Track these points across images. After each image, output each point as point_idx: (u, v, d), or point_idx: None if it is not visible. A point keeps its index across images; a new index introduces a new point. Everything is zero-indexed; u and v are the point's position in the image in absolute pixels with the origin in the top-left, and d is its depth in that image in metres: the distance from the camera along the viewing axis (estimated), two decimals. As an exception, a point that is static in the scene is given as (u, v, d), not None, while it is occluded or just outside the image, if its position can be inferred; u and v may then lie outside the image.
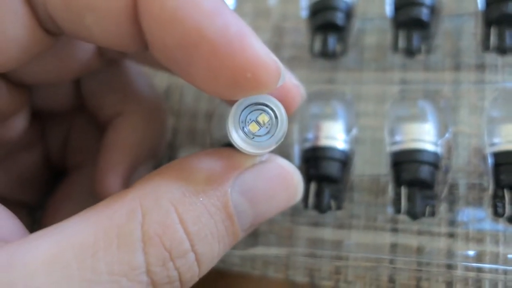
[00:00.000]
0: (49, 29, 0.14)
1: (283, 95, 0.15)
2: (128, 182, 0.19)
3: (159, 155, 0.21)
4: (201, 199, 0.13)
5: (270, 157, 0.16)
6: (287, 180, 0.16)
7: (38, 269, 0.11)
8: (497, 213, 0.18)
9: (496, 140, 0.19)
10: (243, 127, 0.14)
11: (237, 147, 0.14)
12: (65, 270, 0.11)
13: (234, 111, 0.14)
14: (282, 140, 0.14)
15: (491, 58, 0.20)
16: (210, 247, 0.14)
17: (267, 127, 0.14)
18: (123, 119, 0.19)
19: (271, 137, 0.14)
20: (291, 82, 0.18)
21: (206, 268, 0.14)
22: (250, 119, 0.14)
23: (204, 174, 0.14)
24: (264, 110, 0.14)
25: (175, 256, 0.13)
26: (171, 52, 0.13)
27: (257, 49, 0.12)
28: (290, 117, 0.21)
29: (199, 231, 0.13)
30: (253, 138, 0.14)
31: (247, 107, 0.14)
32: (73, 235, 0.12)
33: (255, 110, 0.14)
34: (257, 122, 0.14)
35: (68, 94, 0.20)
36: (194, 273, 0.13)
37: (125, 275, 0.12)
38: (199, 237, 0.13)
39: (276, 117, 0.14)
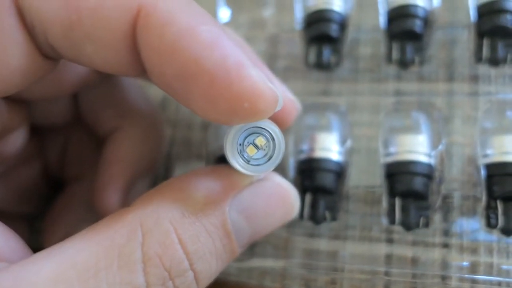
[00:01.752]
0: (49, 55, 0.14)
1: (279, 111, 0.16)
2: (127, 197, 0.19)
3: (156, 169, 0.22)
4: (199, 218, 0.14)
5: (267, 175, 0.16)
6: (284, 198, 0.16)
7: None
8: (490, 224, 0.18)
9: (488, 151, 0.19)
10: (241, 150, 0.14)
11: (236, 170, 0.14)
12: None
13: (231, 137, 0.14)
14: (279, 162, 0.14)
15: (485, 69, 0.20)
16: (209, 265, 0.14)
17: (264, 149, 0.14)
18: (120, 135, 0.20)
19: (269, 159, 0.14)
20: (287, 96, 0.18)
21: (204, 284, 0.14)
22: (247, 142, 0.14)
23: (203, 194, 0.14)
24: (261, 133, 0.14)
25: (175, 276, 0.13)
26: (170, 81, 0.13)
27: (254, 79, 0.12)
28: (286, 130, 0.21)
29: (198, 250, 0.14)
30: (251, 161, 0.14)
31: (244, 131, 0.14)
32: (75, 255, 0.12)
33: (252, 133, 0.14)
34: (255, 145, 0.14)
35: (66, 109, 0.20)
36: None
37: None
38: (197, 256, 0.14)
39: (273, 139, 0.14)
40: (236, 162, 0.14)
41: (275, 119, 0.14)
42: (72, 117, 0.20)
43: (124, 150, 0.19)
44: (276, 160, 0.14)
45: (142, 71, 0.14)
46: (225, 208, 0.14)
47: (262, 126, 0.14)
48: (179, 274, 0.13)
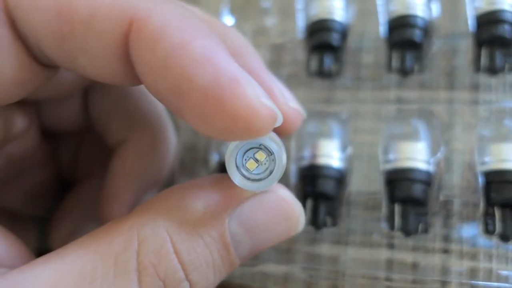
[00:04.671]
0: (47, 64, 0.14)
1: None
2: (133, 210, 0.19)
3: (165, 181, 0.22)
4: (197, 229, 0.14)
5: (271, 188, 0.15)
6: (287, 212, 0.16)
7: None
8: (488, 230, 0.18)
9: (487, 158, 0.19)
10: (240, 166, 0.14)
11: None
12: None
13: (229, 153, 0.14)
14: (280, 177, 0.14)
15: (485, 78, 0.21)
16: (205, 276, 0.14)
17: (265, 164, 0.14)
18: (128, 147, 0.20)
19: (270, 174, 0.14)
20: (291, 106, 0.17)
21: None
22: (247, 157, 0.14)
23: (202, 204, 0.14)
24: (261, 148, 0.14)
25: (169, 286, 0.13)
26: (164, 95, 0.13)
27: (249, 97, 0.12)
28: (288, 137, 0.21)
29: (194, 261, 0.13)
30: (251, 176, 0.14)
31: (242, 147, 0.14)
32: (73, 262, 0.12)
33: (252, 147, 0.14)
34: (255, 159, 0.14)
35: (76, 116, 0.20)
36: None
37: None
38: (193, 267, 0.13)
39: (272, 153, 0.14)
40: (234, 178, 0.14)
41: (278, 128, 0.14)
42: (83, 125, 0.21)
43: (131, 163, 0.19)
44: (276, 175, 0.14)
45: (138, 81, 0.14)
46: (224, 220, 0.14)
47: (261, 142, 0.14)
48: (174, 284, 0.13)
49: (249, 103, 0.12)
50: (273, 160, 0.14)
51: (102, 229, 0.14)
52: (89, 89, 0.20)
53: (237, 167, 0.14)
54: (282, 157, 0.14)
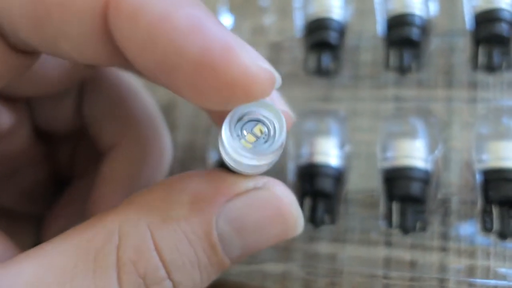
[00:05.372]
0: (26, 50, 0.13)
1: None
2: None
3: None
4: (181, 225, 0.13)
5: (266, 184, 0.14)
6: (282, 212, 0.14)
7: None
8: (486, 228, 0.18)
9: (484, 156, 0.19)
10: (237, 142, 0.12)
11: (231, 163, 0.13)
12: None
13: (228, 121, 0.12)
14: (281, 150, 0.13)
15: (483, 76, 0.21)
16: (190, 277, 0.13)
17: (264, 138, 0.13)
18: (119, 152, 0.19)
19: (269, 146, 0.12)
20: (282, 110, 0.17)
21: None
22: (247, 130, 0.13)
23: (189, 198, 0.13)
24: (259, 120, 0.13)
25: (150, 283, 0.12)
26: (153, 72, 0.12)
27: (245, 63, 0.11)
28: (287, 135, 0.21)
29: (176, 260, 0.13)
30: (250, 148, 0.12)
31: (241, 118, 0.12)
32: (54, 258, 0.12)
33: (249, 121, 0.13)
34: (253, 134, 0.13)
35: (70, 118, 0.20)
36: None
37: None
38: (176, 266, 0.13)
39: (273, 127, 0.12)
40: (231, 148, 0.12)
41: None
42: (77, 127, 0.20)
43: (121, 169, 0.19)
44: (278, 143, 0.12)
45: (124, 60, 0.13)
46: (210, 217, 0.13)
47: (263, 108, 0.12)
48: (155, 282, 0.12)
49: (246, 69, 0.11)
50: (273, 134, 0.13)
51: (85, 223, 0.13)
52: (83, 91, 0.20)
53: (234, 139, 0.12)
54: (284, 123, 0.12)
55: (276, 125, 0.13)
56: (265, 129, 0.13)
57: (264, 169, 0.13)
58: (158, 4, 0.11)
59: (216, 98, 0.12)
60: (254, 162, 0.12)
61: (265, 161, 0.13)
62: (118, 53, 0.13)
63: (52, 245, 0.13)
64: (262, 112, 0.12)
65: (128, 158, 0.19)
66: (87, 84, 0.20)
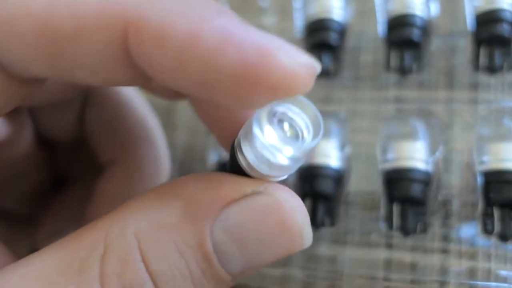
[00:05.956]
0: (31, 78, 0.13)
1: None
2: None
3: None
4: (171, 234, 0.11)
5: (267, 188, 0.12)
6: (285, 221, 0.12)
7: None
8: (486, 230, 0.18)
9: (485, 158, 0.19)
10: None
11: (255, 161, 0.12)
12: None
13: (267, 110, 0.11)
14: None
15: (484, 77, 0.21)
16: None
17: (296, 136, 0.12)
18: (116, 169, 0.19)
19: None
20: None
21: None
22: (280, 123, 0.12)
23: (181, 203, 0.12)
24: (285, 120, 0.12)
25: None
26: (187, 90, 0.11)
27: (284, 64, 0.10)
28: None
29: (165, 272, 0.11)
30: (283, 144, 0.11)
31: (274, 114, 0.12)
32: (41, 268, 0.12)
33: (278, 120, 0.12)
34: (284, 131, 0.12)
35: (72, 129, 0.20)
36: None
37: None
38: (165, 279, 0.11)
39: (305, 125, 0.12)
40: (266, 135, 0.11)
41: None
42: (78, 136, 0.20)
43: (118, 186, 0.19)
44: (316, 139, 0.11)
45: (146, 82, 0.13)
46: (204, 225, 0.12)
47: (295, 104, 0.12)
48: None
49: (286, 69, 0.10)
50: (301, 133, 0.12)
51: (75, 233, 0.12)
52: (86, 103, 0.20)
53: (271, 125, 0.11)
54: (320, 121, 0.12)
55: (309, 123, 0.12)
56: (296, 128, 0.12)
57: (286, 174, 0.12)
58: (182, 23, 0.11)
59: (257, 102, 0.11)
60: (287, 161, 0.11)
61: (297, 162, 0.12)
62: (140, 75, 0.12)
63: (40, 254, 0.12)
64: (294, 110, 0.12)
65: (125, 175, 0.19)
66: (90, 96, 0.20)
